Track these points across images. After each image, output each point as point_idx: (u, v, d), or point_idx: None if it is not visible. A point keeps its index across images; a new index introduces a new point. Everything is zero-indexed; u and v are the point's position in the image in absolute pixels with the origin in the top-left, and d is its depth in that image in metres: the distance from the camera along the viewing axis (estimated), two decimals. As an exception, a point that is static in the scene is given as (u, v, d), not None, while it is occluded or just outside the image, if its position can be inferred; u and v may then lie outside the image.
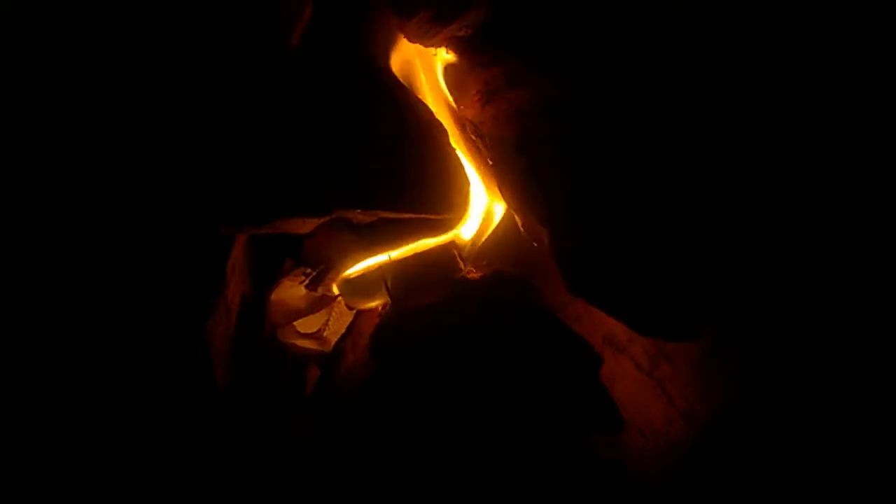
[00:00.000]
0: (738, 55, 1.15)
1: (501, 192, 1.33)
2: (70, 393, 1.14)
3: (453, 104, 1.48)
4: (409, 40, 1.39)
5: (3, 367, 1.12)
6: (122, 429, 1.15)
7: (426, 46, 1.43)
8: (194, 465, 1.18)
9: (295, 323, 1.48)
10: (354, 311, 1.49)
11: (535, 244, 1.30)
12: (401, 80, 1.46)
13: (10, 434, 1.11)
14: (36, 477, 1.11)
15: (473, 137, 1.42)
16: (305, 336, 1.48)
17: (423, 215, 1.30)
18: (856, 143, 1.09)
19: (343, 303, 1.48)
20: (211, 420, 1.22)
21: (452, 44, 1.42)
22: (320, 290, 1.46)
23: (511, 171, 1.27)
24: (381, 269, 1.40)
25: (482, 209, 1.46)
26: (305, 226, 1.33)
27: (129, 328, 1.17)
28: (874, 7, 1.09)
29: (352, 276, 1.44)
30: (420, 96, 1.45)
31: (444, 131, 1.35)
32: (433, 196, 1.29)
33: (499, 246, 1.46)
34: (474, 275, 1.38)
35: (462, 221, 1.42)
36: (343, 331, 1.48)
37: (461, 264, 1.39)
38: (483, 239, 1.46)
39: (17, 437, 1.11)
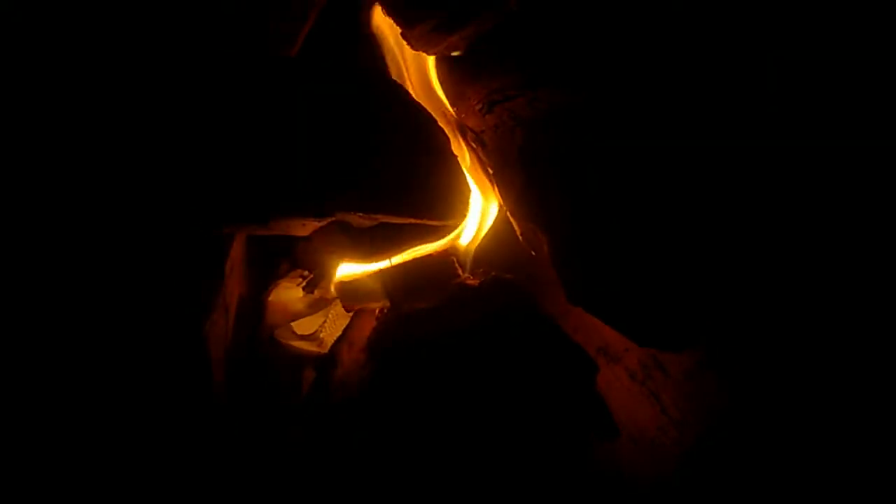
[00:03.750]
0: (739, 62, 1.17)
1: (502, 200, 1.35)
2: (66, 392, 1.13)
3: (452, 111, 1.50)
4: (413, 48, 1.41)
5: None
6: (119, 429, 1.14)
7: (429, 55, 1.44)
8: (191, 466, 1.17)
9: (292, 324, 1.47)
10: (351, 314, 1.49)
11: (533, 252, 1.32)
12: (403, 84, 1.48)
13: (7, 435, 1.09)
14: (33, 478, 1.09)
15: (473, 145, 1.44)
16: (302, 337, 1.48)
17: (423, 221, 1.31)
18: (850, 163, 1.12)
19: (339, 305, 1.48)
20: (208, 420, 1.22)
21: (455, 53, 1.44)
22: (317, 293, 1.46)
23: (512, 181, 1.29)
24: (379, 273, 1.41)
25: (481, 216, 1.47)
26: (305, 228, 1.33)
27: (127, 327, 1.16)
28: (874, 7, 1.12)
29: (350, 280, 1.45)
30: (422, 102, 1.46)
31: (447, 137, 1.36)
32: (434, 202, 1.30)
33: (496, 253, 1.47)
34: (472, 281, 1.39)
35: (461, 228, 1.43)
36: (339, 333, 1.48)
37: (459, 270, 1.40)
38: (480, 245, 1.47)
39: (14, 438, 1.10)
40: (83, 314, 1.16)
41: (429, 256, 1.42)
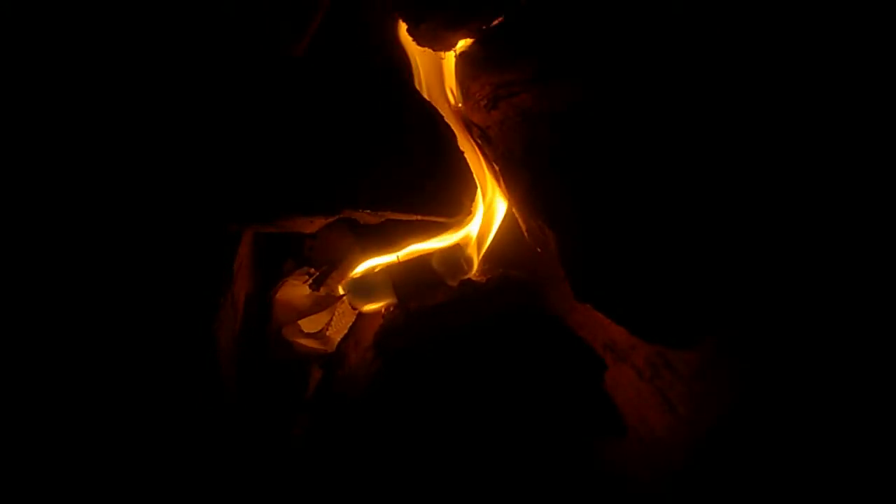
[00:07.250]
0: (739, 59, 1.16)
1: (508, 196, 1.34)
2: (76, 390, 1.14)
3: (460, 107, 1.50)
4: (418, 44, 1.40)
5: (7, 366, 1.11)
6: (128, 426, 1.14)
7: (435, 51, 1.44)
8: (199, 462, 1.18)
9: (298, 322, 1.48)
10: (357, 312, 1.49)
11: (539, 249, 1.31)
12: (410, 81, 1.47)
13: (14, 434, 1.10)
14: (39, 476, 1.10)
15: (479, 142, 1.44)
16: (309, 335, 1.48)
17: (430, 218, 1.31)
18: (852, 157, 1.11)
19: (346, 302, 1.48)
20: (216, 417, 1.22)
21: (460, 49, 1.43)
22: (323, 291, 1.47)
23: (518, 177, 1.28)
24: (387, 270, 1.41)
25: (488, 213, 1.47)
26: (312, 225, 1.33)
27: (137, 325, 1.17)
28: (874, 7, 1.11)
29: (357, 277, 1.45)
30: (428, 98, 1.46)
31: (453, 133, 1.36)
32: (441, 198, 1.30)
33: (502, 250, 1.47)
34: (479, 278, 1.39)
35: (468, 224, 1.43)
36: (346, 330, 1.48)
37: (466, 267, 1.40)
38: (488, 242, 1.47)
39: (22, 435, 1.11)
40: (93, 313, 1.17)
41: (436, 253, 1.42)
